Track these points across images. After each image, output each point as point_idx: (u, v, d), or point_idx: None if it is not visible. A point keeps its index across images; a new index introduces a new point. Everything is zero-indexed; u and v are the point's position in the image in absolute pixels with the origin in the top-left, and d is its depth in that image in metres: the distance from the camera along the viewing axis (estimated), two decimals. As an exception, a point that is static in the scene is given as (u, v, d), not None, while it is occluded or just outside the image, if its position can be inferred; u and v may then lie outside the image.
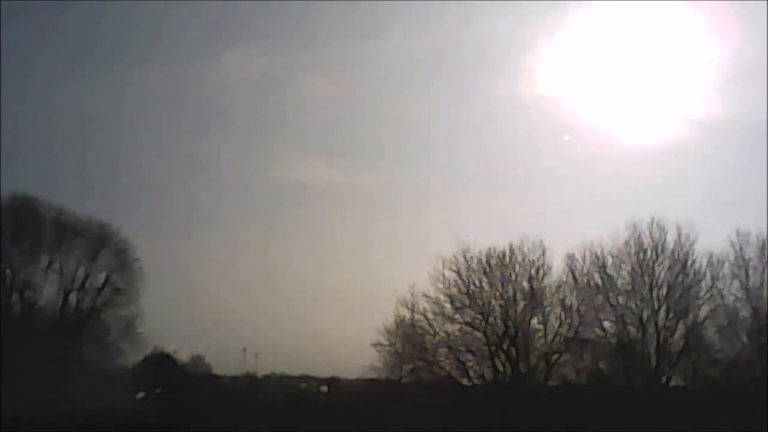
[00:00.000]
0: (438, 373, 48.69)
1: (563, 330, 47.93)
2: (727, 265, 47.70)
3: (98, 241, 54.71)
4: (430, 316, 48.65)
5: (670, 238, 47.99)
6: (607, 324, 48.42)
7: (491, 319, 48.12)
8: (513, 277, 48.47)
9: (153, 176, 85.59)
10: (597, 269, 48.40)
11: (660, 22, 66.86)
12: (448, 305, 48.65)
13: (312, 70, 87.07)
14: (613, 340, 48.28)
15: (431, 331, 48.85)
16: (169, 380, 60.33)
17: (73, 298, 54.10)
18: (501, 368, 48.24)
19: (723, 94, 72.52)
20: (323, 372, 74.23)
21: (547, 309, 48.41)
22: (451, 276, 48.40)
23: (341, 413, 50.69)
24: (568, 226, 67.99)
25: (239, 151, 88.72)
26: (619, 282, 48.37)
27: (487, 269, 48.56)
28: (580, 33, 66.61)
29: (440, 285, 48.38)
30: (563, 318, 48.12)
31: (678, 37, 65.44)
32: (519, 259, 48.63)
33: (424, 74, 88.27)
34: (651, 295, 47.54)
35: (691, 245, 47.80)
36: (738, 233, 47.67)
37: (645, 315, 47.44)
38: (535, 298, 48.19)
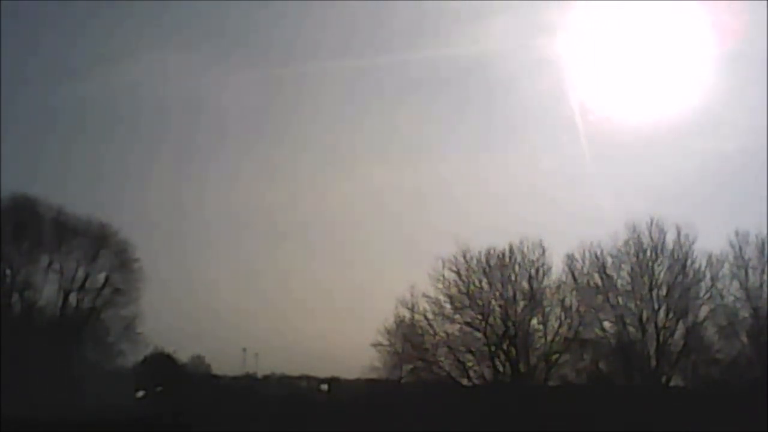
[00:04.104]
0: (438, 373, 48.72)
1: (563, 330, 47.96)
2: (726, 265, 47.75)
3: (98, 241, 54.70)
4: (429, 316, 48.77)
5: (670, 239, 48.07)
6: (606, 324, 48.46)
7: (491, 320, 48.15)
8: (513, 278, 48.52)
9: (153, 176, 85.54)
10: (597, 269, 48.43)
11: (658, 21, 66.68)
12: (447, 305, 48.78)
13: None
14: (613, 340, 48.30)
15: (431, 332, 48.91)
16: (169, 380, 60.37)
17: (73, 298, 54.12)
18: (501, 368, 48.26)
19: (723, 94, 72.44)
20: (323, 372, 74.29)
21: (547, 309, 48.47)
22: (451, 276, 48.54)
23: (341, 413, 50.71)
24: (567, 226, 67.99)
25: (239, 151, 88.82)
26: (619, 282, 48.41)
27: (487, 269, 48.62)
28: (580, 33, 66.42)
29: (440, 285, 48.53)
30: (563, 318, 48.16)
31: (678, 37, 65.24)
32: (519, 259, 48.73)
33: (423, 75, 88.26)
34: (651, 295, 47.55)
35: (690, 245, 47.87)
36: (737, 233, 47.75)
37: (645, 315, 47.44)
38: (534, 298, 48.23)
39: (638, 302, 47.67)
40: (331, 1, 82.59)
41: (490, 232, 68.64)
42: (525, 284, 48.43)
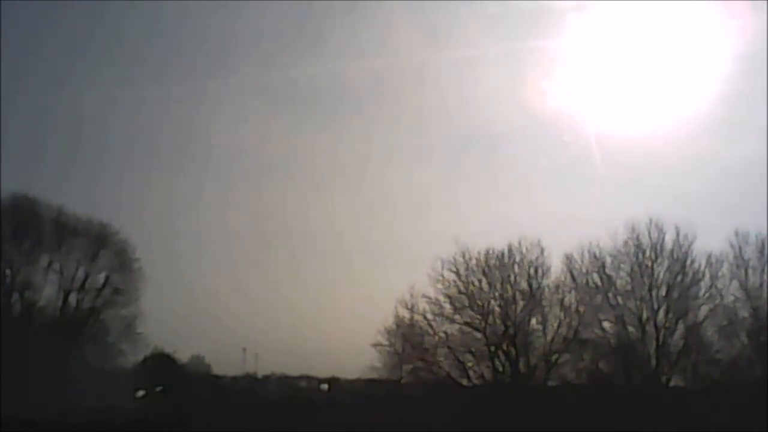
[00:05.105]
0: (438, 373, 48.76)
1: (563, 330, 47.99)
2: (726, 265, 47.83)
3: (98, 241, 54.69)
4: (429, 316, 48.85)
5: (669, 238, 48.13)
6: (606, 324, 48.51)
7: (490, 320, 48.20)
8: (512, 278, 48.59)
9: (153, 176, 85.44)
10: (596, 269, 48.50)
11: (659, 20, 66.80)
12: (447, 306, 48.84)
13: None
14: (613, 340, 48.33)
15: (431, 332, 48.97)
16: (169, 380, 60.35)
17: (73, 298, 54.08)
18: (501, 368, 48.30)
19: (723, 94, 72.41)
20: (323, 372, 74.23)
21: (547, 309, 48.51)
22: (451, 276, 48.61)
23: (341, 413, 50.74)
24: (567, 226, 67.93)
25: (239, 151, 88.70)
26: (618, 282, 48.45)
27: (486, 270, 48.66)
28: (580, 32, 66.55)
29: (440, 285, 48.63)
30: (562, 318, 48.21)
31: (678, 37, 65.35)
32: (518, 259, 48.80)
33: (421, 76, 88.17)
34: (650, 295, 47.59)
35: (689, 245, 47.93)
36: (737, 233, 47.83)
37: (644, 315, 47.49)
38: (534, 298, 48.27)
39: (638, 302, 47.71)
40: (327, 2, 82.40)
41: (490, 232, 68.71)
42: (524, 284, 48.49)
